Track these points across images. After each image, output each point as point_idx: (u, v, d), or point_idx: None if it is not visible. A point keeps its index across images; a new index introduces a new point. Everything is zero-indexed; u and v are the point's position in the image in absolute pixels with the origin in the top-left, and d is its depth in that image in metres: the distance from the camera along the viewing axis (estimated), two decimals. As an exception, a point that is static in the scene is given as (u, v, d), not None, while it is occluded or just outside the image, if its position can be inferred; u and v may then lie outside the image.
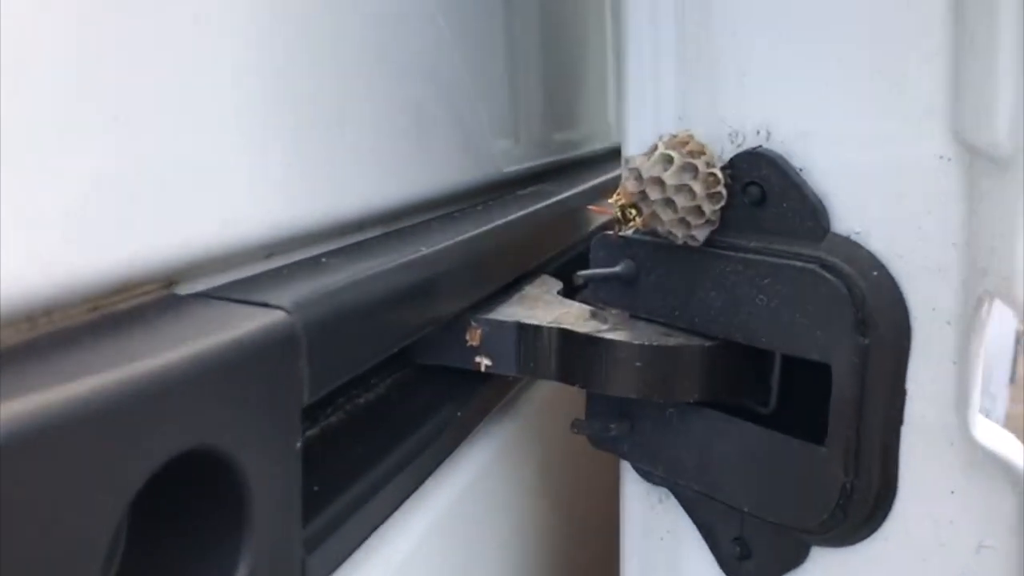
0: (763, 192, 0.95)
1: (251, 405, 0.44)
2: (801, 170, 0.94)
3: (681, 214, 0.93)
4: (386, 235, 0.89)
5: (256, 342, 0.45)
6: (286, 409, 0.49)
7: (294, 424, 0.50)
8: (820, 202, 0.93)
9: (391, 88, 0.86)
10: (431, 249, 0.91)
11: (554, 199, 1.29)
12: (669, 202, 0.94)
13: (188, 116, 0.51)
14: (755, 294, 0.95)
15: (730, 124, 0.99)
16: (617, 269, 1.05)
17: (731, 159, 0.97)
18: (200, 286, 0.54)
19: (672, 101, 1.03)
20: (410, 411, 0.94)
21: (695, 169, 0.93)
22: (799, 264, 0.92)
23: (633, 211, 0.94)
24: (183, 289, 0.52)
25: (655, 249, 1.03)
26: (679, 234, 0.95)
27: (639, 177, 0.94)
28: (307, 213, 0.77)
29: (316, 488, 0.61)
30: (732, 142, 0.99)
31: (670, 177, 0.92)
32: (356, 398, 0.91)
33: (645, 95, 1.05)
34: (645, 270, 1.04)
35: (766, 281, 0.94)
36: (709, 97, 1.00)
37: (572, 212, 1.35)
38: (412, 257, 0.85)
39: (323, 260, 0.80)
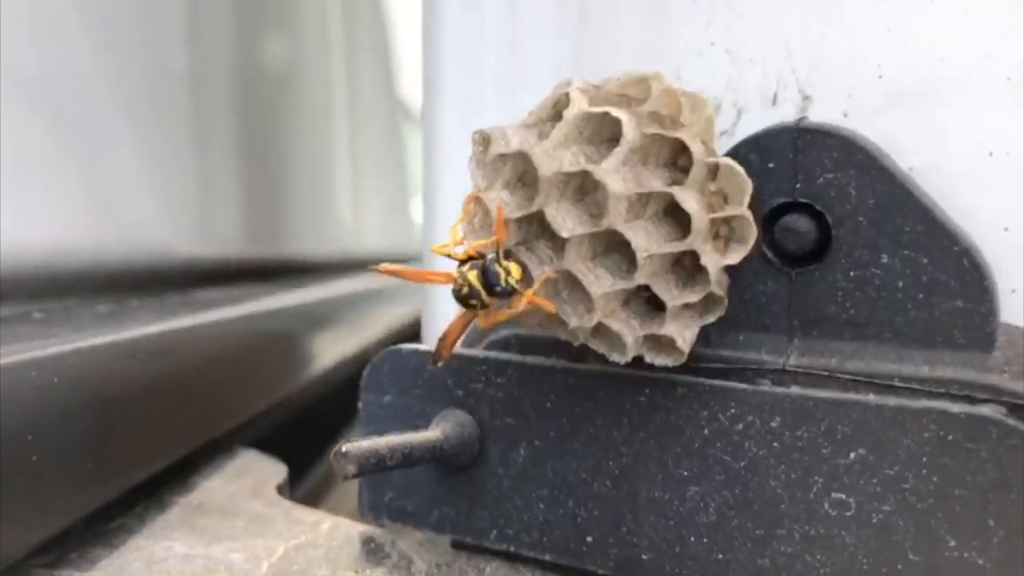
0: (825, 228, 0.38)
1: None
2: (911, 170, 0.38)
3: (645, 278, 0.34)
4: None
5: None
6: None
7: None
8: (975, 251, 0.36)
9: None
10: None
11: (271, 304, 0.67)
12: (609, 245, 0.34)
13: None
14: (822, 489, 0.36)
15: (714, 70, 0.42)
16: (433, 433, 0.43)
17: (732, 149, 0.39)
18: None
19: (559, 26, 0.45)
20: None
21: (672, 154, 0.35)
22: (942, 408, 0.34)
23: (510, 271, 0.33)
24: None
25: (539, 379, 0.42)
26: (629, 337, 0.35)
27: (526, 173, 0.34)
28: None
29: None
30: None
31: (611, 172, 0.33)
32: None
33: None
34: (505, 437, 0.43)
35: (852, 455, 0.35)
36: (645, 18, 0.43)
37: (295, 330, 0.74)
38: None
39: None
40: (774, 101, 0.40)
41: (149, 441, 0.46)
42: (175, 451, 0.49)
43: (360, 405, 0.46)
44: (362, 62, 1.52)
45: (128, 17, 0.74)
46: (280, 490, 0.51)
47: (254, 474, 0.53)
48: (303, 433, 0.80)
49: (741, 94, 0.41)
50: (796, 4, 0.40)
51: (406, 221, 1.76)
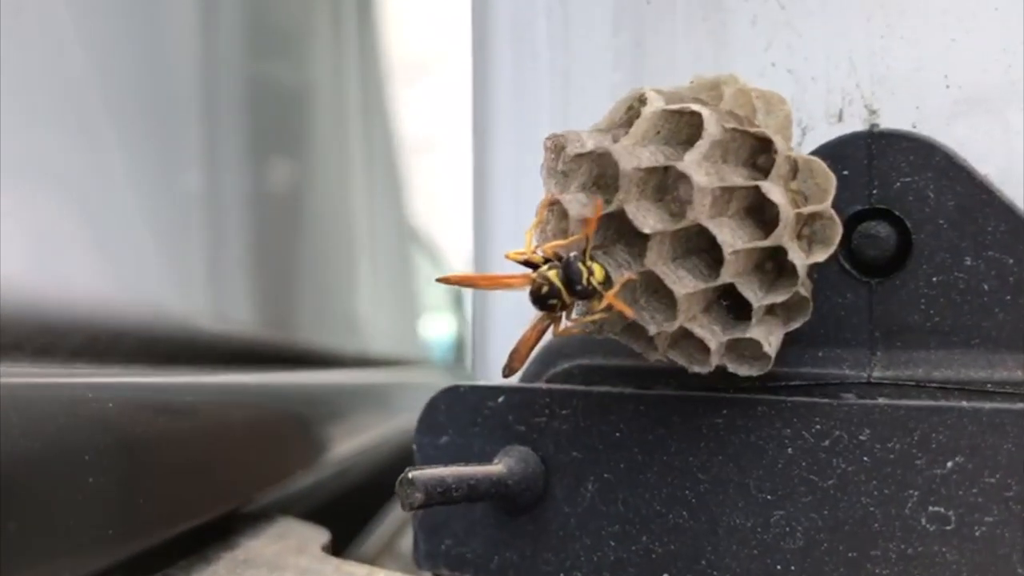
0: (904, 235, 0.37)
1: None
2: (986, 175, 0.37)
3: (730, 276, 0.33)
4: None
5: None
6: None
7: None
8: (1063, 249, 0.35)
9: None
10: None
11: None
12: (689, 248, 0.33)
13: None
14: (918, 503, 0.34)
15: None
16: (497, 468, 0.41)
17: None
18: None
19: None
20: None
21: (750, 154, 0.34)
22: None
23: (592, 271, 0.32)
24: None
25: (606, 408, 0.40)
26: (712, 343, 0.34)
27: (602, 175, 0.34)
28: None
29: None
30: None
31: (694, 165, 0.32)
32: None
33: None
34: (571, 472, 0.41)
35: (949, 464, 0.34)
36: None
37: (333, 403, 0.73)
38: None
39: None
40: (840, 117, 0.40)
41: (190, 488, 0.44)
42: (215, 505, 0.47)
43: (414, 447, 0.44)
44: (378, 184, 1.55)
45: (153, 130, 0.77)
46: (325, 550, 0.49)
47: (296, 536, 0.51)
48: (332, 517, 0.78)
49: (805, 112, 0.41)
50: (858, 19, 0.40)
51: (416, 334, 1.79)
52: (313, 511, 0.75)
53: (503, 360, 0.38)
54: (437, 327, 2.80)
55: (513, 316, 0.46)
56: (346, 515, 0.91)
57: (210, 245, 0.86)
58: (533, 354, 0.40)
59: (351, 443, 0.86)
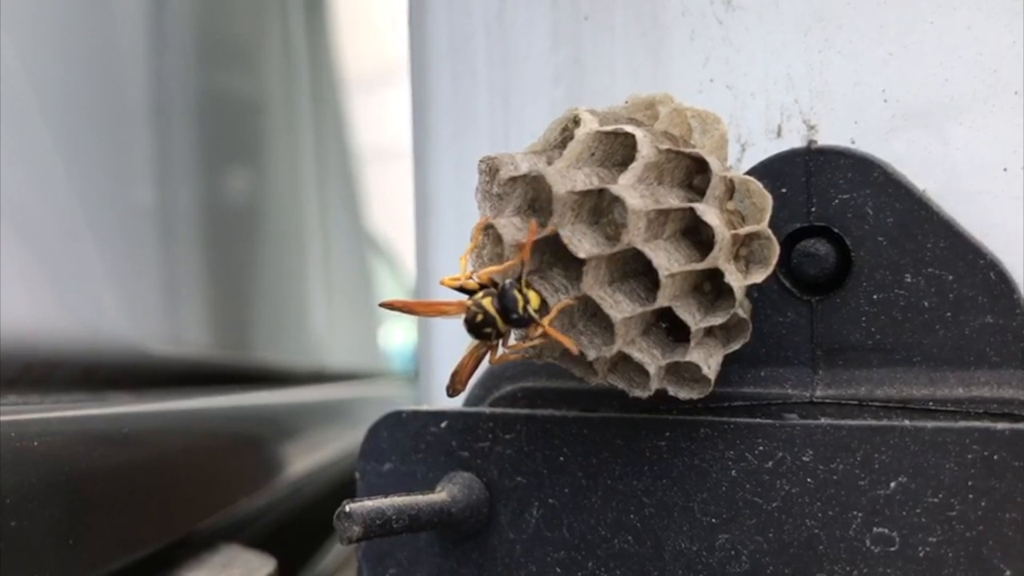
0: (844, 252, 0.36)
1: None
2: (925, 192, 0.37)
3: (667, 299, 0.32)
4: None
5: None
6: None
7: None
8: (1001, 265, 0.35)
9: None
10: None
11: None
12: (626, 272, 0.33)
13: None
14: (862, 524, 0.34)
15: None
16: (440, 496, 0.40)
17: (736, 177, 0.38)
18: None
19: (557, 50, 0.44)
20: None
21: (686, 175, 0.34)
22: (984, 427, 0.33)
23: (528, 299, 0.32)
24: None
25: (550, 432, 0.40)
26: (652, 367, 0.33)
27: (536, 199, 0.33)
28: None
29: None
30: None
31: (628, 188, 0.32)
32: None
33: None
34: (515, 497, 0.40)
35: (892, 485, 0.33)
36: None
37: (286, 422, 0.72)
38: None
39: None
40: (778, 133, 0.40)
41: (128, 522, 0.43)
42: (154, 539, 0.46)
43: (357, 475, 0.43)
44: (332, 195, 1.53)
45: (101, 143, 0.75)
46: (271, 579, 0.48)
47: (241, 566, 0.50)
48: (288, 536, 0.77)
49: (744, 128, 0.40)
50: (796, 33, 0.39)
51: (375, 345, 1.77)
52: (267, 532, 0.74)
53: (446, 381, 0.38)
54: (398, 338, 2.78)
55: (459, 336, 0.45)
56: (303, 533, 0.90)
57: (161, 262, 0.85)
58: (475, 377, 0.39)
59: (306, 462, 0.84)
